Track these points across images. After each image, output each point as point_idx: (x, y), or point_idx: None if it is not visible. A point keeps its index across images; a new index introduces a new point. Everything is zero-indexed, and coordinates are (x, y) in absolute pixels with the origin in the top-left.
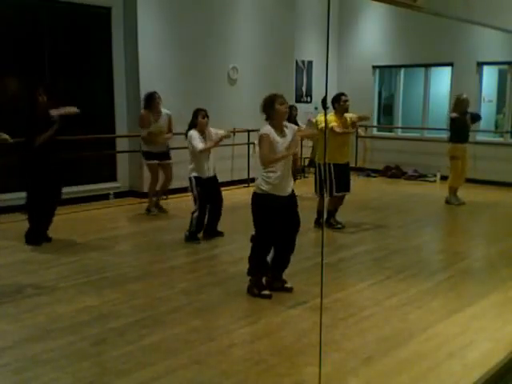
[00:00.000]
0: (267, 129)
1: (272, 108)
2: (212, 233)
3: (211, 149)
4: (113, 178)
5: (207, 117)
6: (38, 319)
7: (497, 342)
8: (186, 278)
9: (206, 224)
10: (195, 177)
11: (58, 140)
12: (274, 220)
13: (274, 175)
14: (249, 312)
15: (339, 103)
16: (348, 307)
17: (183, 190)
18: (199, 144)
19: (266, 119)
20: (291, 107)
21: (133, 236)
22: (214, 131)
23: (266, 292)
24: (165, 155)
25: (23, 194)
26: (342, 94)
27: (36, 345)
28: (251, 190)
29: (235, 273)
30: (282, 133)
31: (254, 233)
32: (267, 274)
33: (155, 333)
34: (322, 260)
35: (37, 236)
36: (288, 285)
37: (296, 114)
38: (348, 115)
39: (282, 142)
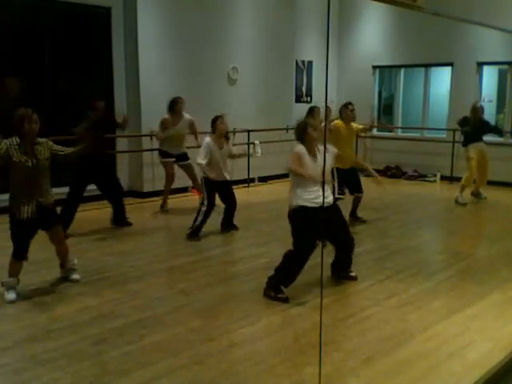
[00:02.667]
0: (300, 147)
1: (305, 133)
2: (228, 226)
3: (226, 157)
4: None
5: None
6: (38, 319)
7: (497, 341)
8: (186, 278)
9: (222, 218)
10: (205, 177)
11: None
12: (311, 233)
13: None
14: (249, 312)
15: (346, 112)
16: (348, 307)
17: (183, 190)
18: (201, 158)
19: (300, 143)
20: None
21: (133, 236)
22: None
23: (283, 296)
24: (182, 157)
25: None
26: (350, 104)
27: (36, 345)
28: (251, 190)
29: (235, 273)
30: (314, 156)
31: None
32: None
33: (155, 333)
34: (322, 260)
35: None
36: (353, 273)
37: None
38: (354, 124)
39: (312, 166)
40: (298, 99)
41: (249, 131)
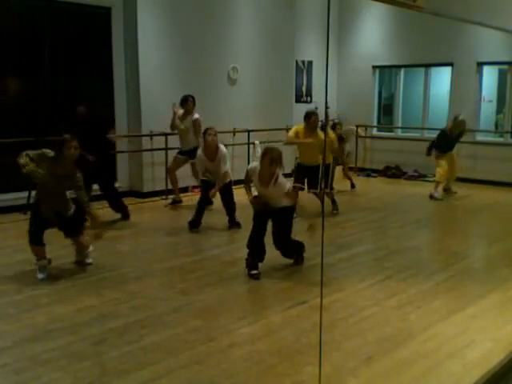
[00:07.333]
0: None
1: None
2: (231, 223)
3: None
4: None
5: (215, 135)
6: (38, 319)
7: (497, 342)
8: (186, 278)
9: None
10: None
11: None
12: None
13: None
14: (249, 312)
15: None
16: (348, 307)
17: (183, 190)
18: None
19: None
20: (335, 124)
21: (133, 236)
22: (222, 150)
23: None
24: (193, 153)
25: (23, 194)
26: (313, 113)
27: (36, 345)
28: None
29: (235, 273)
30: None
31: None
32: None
33: (155, 333)
34: (322, 260)
35: None
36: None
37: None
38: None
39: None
40: (298, 99)
41: (249, 131)
